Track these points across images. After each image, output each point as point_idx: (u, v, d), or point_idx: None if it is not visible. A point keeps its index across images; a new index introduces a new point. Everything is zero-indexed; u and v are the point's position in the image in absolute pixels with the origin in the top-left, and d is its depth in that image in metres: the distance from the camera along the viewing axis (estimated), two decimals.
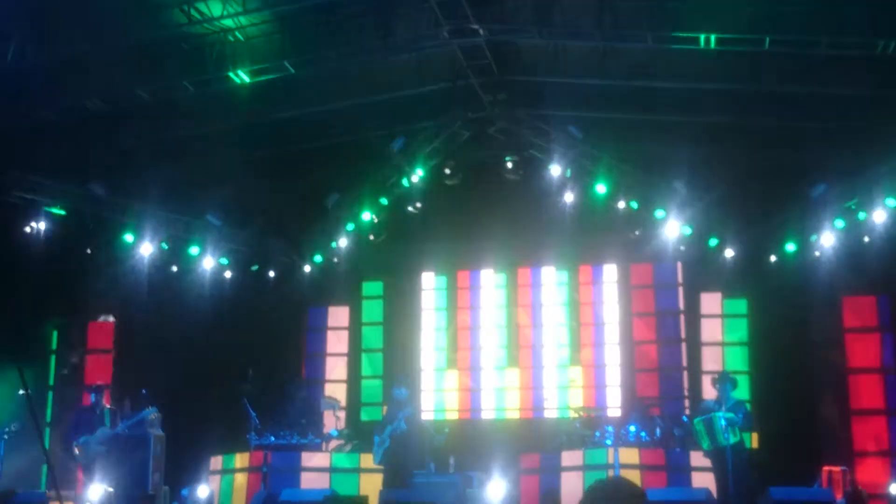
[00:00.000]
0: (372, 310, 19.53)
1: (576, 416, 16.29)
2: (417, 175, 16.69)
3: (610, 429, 14.96)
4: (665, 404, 16.88)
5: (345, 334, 19.44)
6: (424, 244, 18.51)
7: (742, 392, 14.74)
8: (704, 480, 13.45)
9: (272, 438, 15.32)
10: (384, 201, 17.17)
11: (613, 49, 14.01)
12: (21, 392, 13.17)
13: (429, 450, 14.92)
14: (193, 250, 17.03)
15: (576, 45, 14.14)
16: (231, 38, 14.01)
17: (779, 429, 16.44)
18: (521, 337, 18.92)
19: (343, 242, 17.67)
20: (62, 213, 15.68)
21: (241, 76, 14.05)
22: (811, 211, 15.65)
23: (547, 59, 14.83)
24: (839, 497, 13.09)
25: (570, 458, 14.72)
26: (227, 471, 15.48)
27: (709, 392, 15.15)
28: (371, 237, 17.66)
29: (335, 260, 18.08)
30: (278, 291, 18.20)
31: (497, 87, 15.62)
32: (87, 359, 17.73)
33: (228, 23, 13.67)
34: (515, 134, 16.44)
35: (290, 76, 14.22)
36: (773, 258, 16.41)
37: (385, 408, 15.50)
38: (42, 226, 15.37)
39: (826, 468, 15.29)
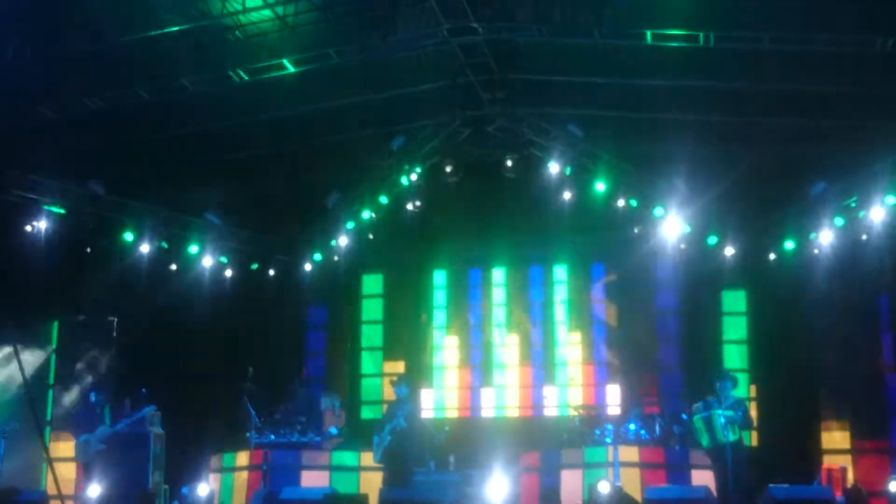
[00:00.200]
0: (371, 308, 19.53)
1: (576, 414, 16.29)
2: (417, 173, 16.70)
3: (610, 427, 14.95)
4: (664, 402, 16.88)
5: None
6: (423, 243, 18.50)
7: (741, 390, 14.74)
8: (704, 478, 13.45)
9: (272, 437, 15.32)
10: (384, 200, 17.17)
11: (613, 47, 14.01)
12: (20, 390, 13.22)
13: (429, 448, 14.93)
14: (193, 249, 17.03)
15: (576, 42, 14.13)
16: (231, 38, 14.02)
17: (778, 427, 16.46)
18: (521, 335, 18.92)
19: (343, 241, 17.67)
20: (62, 211, 15.70)
21: (241, 75, 14.06)
22: (810, 209, 15.65)
23: (547, 58, 14.84)
24: (839, 495, 13.09)
25: (569, 456, 14.71)
26: (228, 469, 15.48)
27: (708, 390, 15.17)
28: (370, 236, 17.67)
29: (335, 258, 18.09)
30: (278, 290, 18.21)
31: (497, 85, 15.61)
32: (89, 357, 17.71)
33: (227, 21, 13.69)
34: (515, 132, 16.44)
35: (288, 74, 14.23)
36: (772, 256, 16.40)
37: (385, 406, 15.51)
38: (42, 225, 15.39)
39: (825, 466, 15.32)
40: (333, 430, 16.08)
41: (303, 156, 16.82)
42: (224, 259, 17.60)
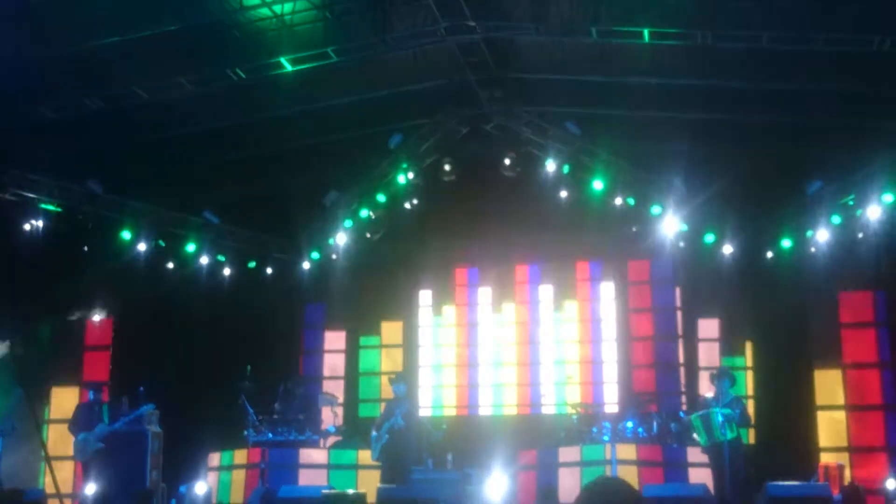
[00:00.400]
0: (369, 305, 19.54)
1: (573, 412, 16.30)
2: (414, 172, 16.70)
3: (607, 425, 14.97)
4: (662, 400, 16.89)
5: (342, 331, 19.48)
6: (421, 240, 18.50)
7: (739, 388, 14.77)
8: (702, 476, 13.47)
9: (270, 435, 15.33)
10: (381, 198, 17.18)
11: (610, 45, 14.02)
12: (19, 389, 13.22)
13: (426, 446, 14.93)
14: (191, 248, 17.03)
15: (573, 41, 14.14)
16: (228, 37, 14.02)
17: (776, 424, 16.49)
18: (519, 333, 18.93)
19: (341, 239, 17.69)
20: (60, 210, 15.70)
21: (239, 73, 14.07)
22: (807, 207, 15.67)
23: (544, 56, 14.85)
24: (836, 492, 13.10)
25: (567, 454, 14.73)
26: (225, 467, 15.49)
27: (706, 388, 15.19)
28: (368, 234, 17.67)
29: (333, 256, 18.10)
30: (276, 288, 18.21)
31: (494, 83, 15.64)
32: (85, 356, 17.72)
33: (226, 20, 13.69)
34: (513, 130, 16.46)
35: (286, 73, 14.23)
36: (769, 254, 16.42)
37: (383, 404, 15.52)
38: (40, 223, 15.39)
39: (823, 463, 15.34)
40: (331, 429, 16.09)
41: (301, 154, 16.82)
42: (222, 257, 17.60)
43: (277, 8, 13.71)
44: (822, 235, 15.53)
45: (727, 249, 16.52)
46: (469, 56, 14.64)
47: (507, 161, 16.44)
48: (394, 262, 18.93)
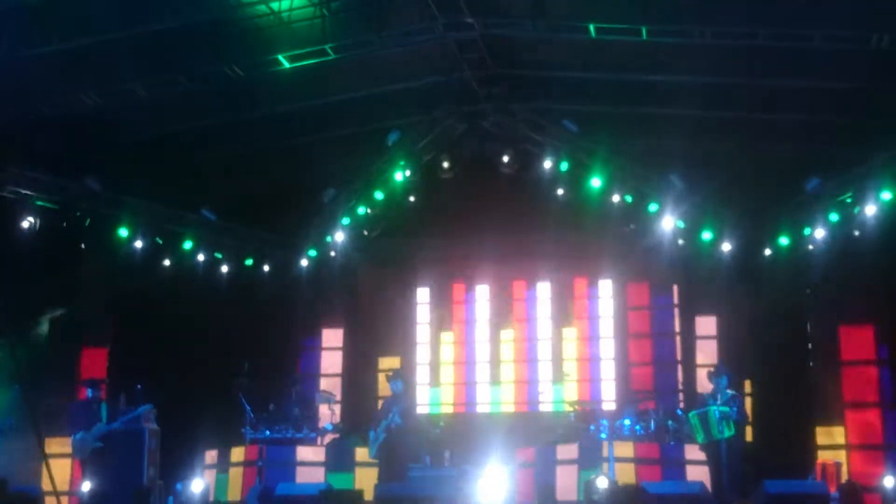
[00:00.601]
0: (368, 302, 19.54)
1: (571, 409, 16.31)
2: (412, 169, 16.70)
3: (605, 422, 14.97)
4: (660, 398, 16.90)
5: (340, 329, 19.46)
6: (419, 238, 18.49)
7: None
8: (699, 473, 13.47)
9: (267, 432, 15.34)
10: (379, 195, 17.16)
11: (608, 42, 14.00)
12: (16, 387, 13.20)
13: (424, 443, 14.94)
14: (188, 245, 17.02)
15: (571, 38, 14.12)
16: (226, 33, 13.99)
17: (773, 422, 16.49)
18: (516, 330, 18.93)
19: (338, 236, 17.68)
20: (57, 207, 15.67)
21: (236, 70, 14.05)
22: (805, 204, 15.67)
23: (542, 53, 14.84)
24: (833, 490, 13.10)
25: (565, 451, 14.74)
26: (223, 465, 15.49)
27: (704, 386, 15.19)
28: (365, 232, 17.66)
29: (332, 254, 18.09)
30: (273, 285, 18.19)
31: (492, 80, 15.62)
32: (83, 353, 17.69)
33: (223, 17, 13.67)
34: (510, 128, 16.45)
35: (284, 70, 14.21)
36: (767, 252, 16.42)
37: (380, 402, 15.51)
38: (38, 221, 15.37)
39: (820, 461, 15.35)
40: (329, 426, 16.09)
41: (298, 151, 16.80)
42: (219, 255, 17.59)
43: (275, 5, 13.67)
44: (820, 233, 15.52)
45: (725, 247, 16.52)
46: (467, 53, 14.63)
47: (505, 158, 16.43)
48: (391, 259, 18.93)
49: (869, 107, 14.07)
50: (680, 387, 17.71)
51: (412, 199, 17.14)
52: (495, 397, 18.78)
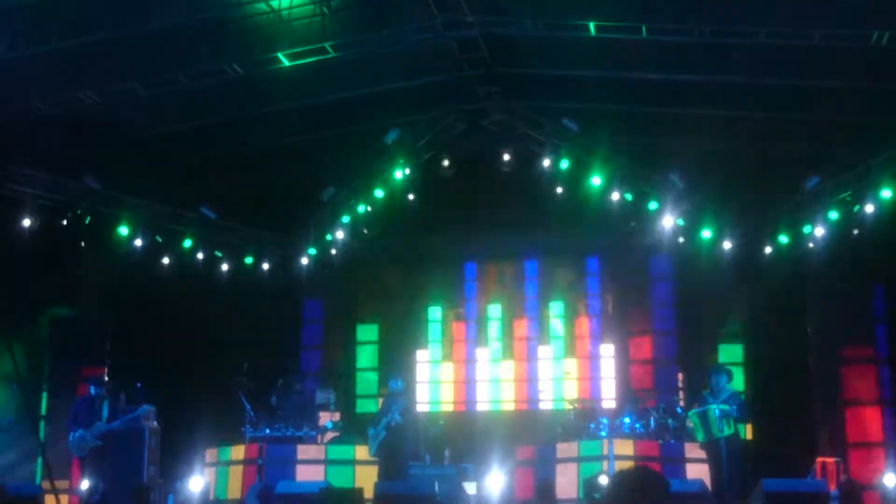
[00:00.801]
0: (366, 302, 19.54)
1: (570, 407, 16.31)
2: (411, 167, 16.70)
3: (604, 420, 14.98)
4: (659, 396, 16.91)
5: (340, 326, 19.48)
6: (419, 236, 18.50)
7: (736, 384, 14.78)
8: (699, 472, 13.47)
9: (267, 431, 15.34)
10: (378, 194, 17.16)
11: (608, 40, 13.99)
12: (15, 385, 13.21)
13: (424, 441, 14.95)
14: (187, 243, 17.02)
15: (571, 36, 14.11)
16: (225, 31, 13.98)
17: (773, 420, 16.50)
18: (516, 329, 18.94)
19: (338, 235, 17.68)
20: (57, 206, 15.67)
21: (235, 69, 14.04)
22: (805, 203, 15.67)
23: (542, 52, 14.83)
24: (832, 488, 13.12)
25: (564, 449, 14.74)
26: (223, 463, 15.50)
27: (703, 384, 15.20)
28: (365, 231, 17.66)
29: (333, 252, 18.09)
30: (273, 284, 18.19)
31: (491, 79, 15.61)
32: (83, 352, 17.68)
33: (223, 15, 13.66)
34: (510, 126, 16.43)
35: (283, 69, 14.20)
36: (767, 250, 16.42)
37: (380, 400, 15.54)
38: (37, 219, 15.36)
39: (820, 460, 15.34)
40: (329, 425, 16.09)
41: (298, 150, 16.79)
42: (219, 253, 17.59)
43: (275, 3, 13.66)
44: (820, 231, 15.52)
45: (725, 245, 16.52)
46: (466, 51, 14.61)
47: (506, 157, 16.42)
48: (390, 258, 18.94)
49: (869, 105, 14.07)
50: (679, 385, 17.72)
51: (412, 197, 17.13)
52: (495, 396, 18.78)
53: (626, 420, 14.96)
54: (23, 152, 15.07)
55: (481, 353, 18.99)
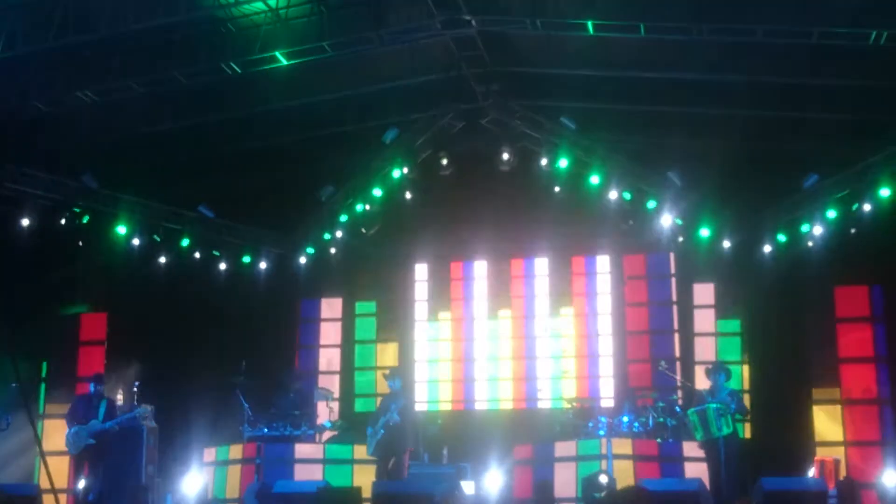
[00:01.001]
0: (365, 301, 19.53)
1: (569, 406, 16.30)
2: (410, 166, 16.69)
3: (603, 419, 14.96)
4: (658, 395, 16.90)
5: (338, 325, 19.45)
6: (417, 235, 18.49)
7: (735, 383, 14.77)
8: (697, 470, 13.45)
9: (265, 430, 15.32)
10: (377, 193, 17.15)
11: (606, 40, 13.99)
12: (14, 384, 13.17)
13: (422, 441, 14.93)
14: (185, 242, 17.01)
15: (569, 35, 14.11)
16: (223, 30, 13.98)
17: (771, 419, 16.50)
18: (515, 327, 18.93)
19: (336, 234, 17.67)
20: (55, 205, 15.66)
21: (233, 68, 14.03)
22: (803, 201, 15.67)
23: (540, 51, 14.83)
24: (831, 487, 13.13)
25: (563, 448, 14.73)
26: (221, 462, 15.47)
27: (702, 382, 15.20)
28: (363, 230, 17.65)
29: (332, 250, 18.08)
30: (271, 283, 18.19)
31: (490, 78, 15.61)
32: (80, 350, 17.68)
33: (221, 13, 13.66)
34: (508, 125, 16.43)
35: (281, 68, 14.19)
36: (765, 248, 16.41)
37: (378, 399, 15.50)
38: (35, 218, 15.36)
39: (818, 458, 15.35)
40: (327, 424, 16.08)
41: (296, 149, 16.78)
42: (217, 252, 17.58)
43: (272, 2, 13.67)
44: (818, 229, 15.52)
45: (723, 243, 16.52)
46: (464, 50, 14.61)
47: (505, 156, 16.41)
48: (389, 257, 18.92)
49: (867, 104, 14.07)
50: (678, 384, 17.70)
51: (410, 196, 17.11)
52: (493, 394, 18.77)
53: (625, 419, 14.95)
54: (21, 151, 15.08)
55: (479, 352, 18.97)
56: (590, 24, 13.24)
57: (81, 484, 13.27)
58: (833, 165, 15.03)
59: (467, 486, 14.85)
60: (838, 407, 16.45)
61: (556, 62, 14.94)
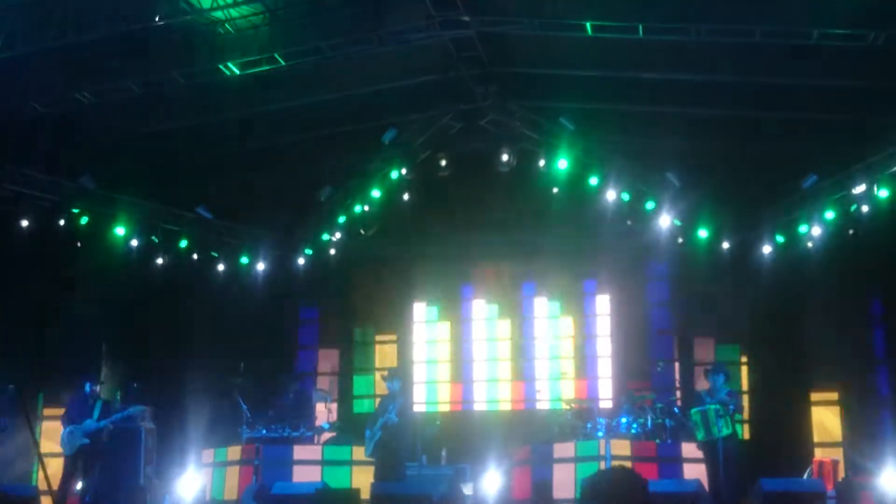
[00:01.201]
0: (363, 302, 19.50)
1: (567, 407, 16.29)
2: (408, 167, 16.68)
3: (601, 420, 14.96)
4: (656, 396, 16.89)
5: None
6: (415, 236, 18.47)
7: (734, 384, 14.77)
8: (696, 472, 13.46)
9: (264, 431, 15.31)
10: (375, 194, 17.14)
11: (605, 40, 13.98)
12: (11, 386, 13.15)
13: (421, 442, 14.91)
14: (183, 243, 17.00)
15: (567, 36, 14.10)
16: (221, 31, 13.97)
17: (770, 420, 16.50)
18: (513, 328, 18.92)
19: (335, 235, 17.66)
20: (53, 206, 15.64)
21: (232, 68, 14.01)
22: (802, 202, 15.67)
23: (538, 51, 14.82)
24: (830, 488, 13.12)
25: (561, 449, 14.72)
26: (219, 464, 15.46)
27: (701, 384, 15.20)
28: (362, 231, 17.64)
29: (332, 252, 18.07)
30: (270, 284, 18.17)
31: (488, 78, 15.60)
32: (79, 351, 17.63)
33: (218, 14, 13.64)
34: (507, 126, 16.43)
35: (280, 68, 14.18)
36: (764, 249, 16.40)
37: (377, 400, 15.50)
38: (33, 219, 15.35)
39: (817, 459, 15.35)
40: (325, 425, 16.07)
41: (295, 150, 16.78)
42: (215, 253, 17.57)
43: (270, 2, 13.66)
44: (817, 230, 15.51)
45: (721, 244, 16.51)
46: (463, 51, 14.60)
47: (504, 157, 16.39)
48: (387, 258, 18.92)
49: (866, 104, 14.07)
50: (677, 384, 17.71)
51: (408, 197, 17.10)
52: (492, 395, 18.76)
53: (623, 420, 14.94)
54: (19, 152, 15.06)
55: (478, 353, 18.96)
56: (588, 25, 13.23)
57: (79, 485, 13.26)
58: (832, 166, 15.03)
59: (466, 488, 14.84)
60: (837, 408, 16.46)
61: (555, 63, 14.93)
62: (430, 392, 18.98)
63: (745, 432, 16.16)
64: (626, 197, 16.43)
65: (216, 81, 14.38)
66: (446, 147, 16.79)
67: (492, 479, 14.68)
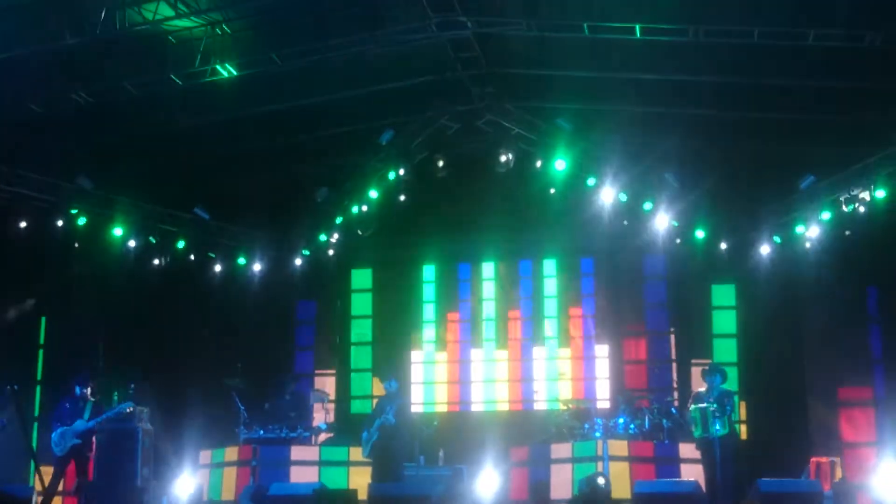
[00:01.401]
0: (361, 302, 19.51)
1: (565, 408, 16.30)
2: (406, 168, 16.68)
3: (599, 421, 14.97)
4: (654, 396, 16.90)
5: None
6: (413, 237, 18.47)
7: (731, 384, 14.77)
8: (693, 472, 13.48)
9: (261, 432, 15.30)
10: (373, 194, 17.13)
11: (602, 41, 13.99)
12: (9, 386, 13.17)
13: (418, 442, 14.91)
14: (181, 244, 16.99)
15: (565, 37, 14.11)
16: (219, 31, 13.96)
17: (768, 420, 16.50)
18: (511, 329, 18.92)
19: (332, 235, 17.66)
20: (50, 207, 15.63)
21: (229, 69, 14.00)
22: (799, 202, 15.68)
23: (535, 52, 14.82)
24: (827, 488, 13.13)
25: (559, 450, 14.73)
26: (217, 464, 15.46)
27: (698, 384, 15.21)
28: (359, 231, 17.63)
29: (330, 252, 18.06)
30: (267, 285, 18.15)
31: (485, 79, 15.61)
32: (77, 352, 17.62)
33: (216, 15, 13.63)
34: (504, 126, 16.43)
35: (277, 69, 14.17)
36: (761, 250, 16.41)
37: (374, 401, 15.49)
38: (30, 220, 15.33)
39: (814, 460, 15.34)
40: (322, 426, 16.06)
41: (292, 150, 16.78)
42: (212, 254, 17.56)
43: (267, 3, 13.65)
44: (814, 231, 15.52)
45: (719, 245, 16.52)
46: (460, 52, 14.60)
47: (503, 158, 16.39)
48: (385, 258, 18.91)
49: (863, 105, 14.07)
50: (674, 385, 17.71)
51: (405, 198, 17.10)
52: (489, 396, 18.76)
53: (621, 421, 14.95)
54: (16, 153, 15.03)
55: (476, 354, 18.96)
56: (585, 26, 13.24)
57: (72, 486, 13.28)
58: (830, 166, 15.03)
59: (463, 488, 14.84)
60: (835, 408, 16.45)
61: (552, 64, 14.93)
62: (427, 392, 18.97)
63: (741, 433, 16.14)
64: (623, 197, 16.43)
65: (212, 83, 14.36)
66: (443, 148, 16.78)
67: (489, 480, 14.67)
